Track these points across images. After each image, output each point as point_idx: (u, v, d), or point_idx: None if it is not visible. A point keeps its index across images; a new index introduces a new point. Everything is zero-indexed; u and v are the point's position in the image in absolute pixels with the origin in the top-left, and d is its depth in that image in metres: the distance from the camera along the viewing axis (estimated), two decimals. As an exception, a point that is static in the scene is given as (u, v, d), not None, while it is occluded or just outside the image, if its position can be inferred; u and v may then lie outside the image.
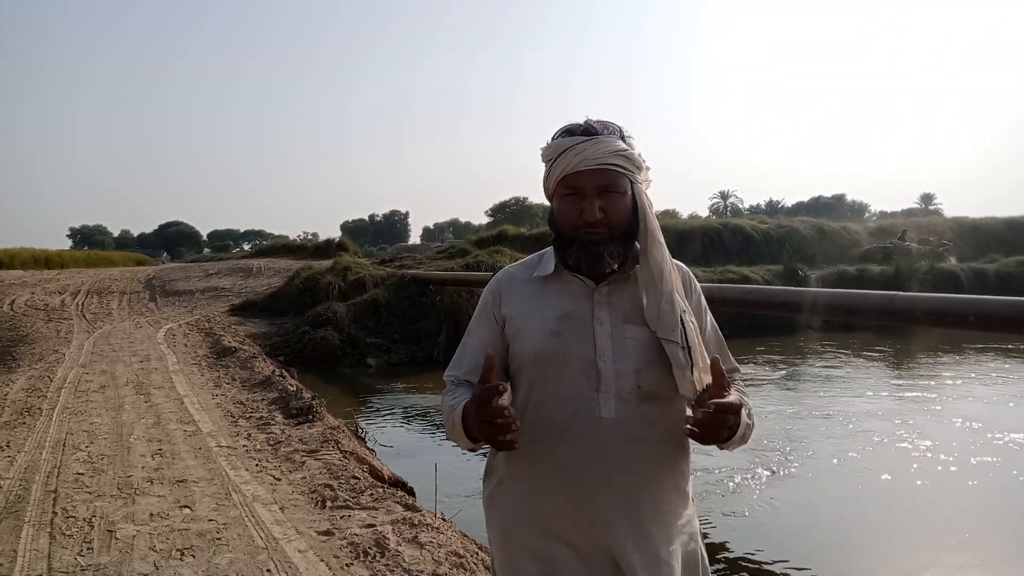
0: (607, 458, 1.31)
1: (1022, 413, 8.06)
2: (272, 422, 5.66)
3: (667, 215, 28.34)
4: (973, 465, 6.00)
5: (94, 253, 35.03)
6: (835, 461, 6.16)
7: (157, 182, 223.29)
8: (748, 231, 22.16)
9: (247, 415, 5.92)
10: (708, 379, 1.31)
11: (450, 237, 77.50)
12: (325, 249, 23.06)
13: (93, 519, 3.57)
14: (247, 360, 8.58)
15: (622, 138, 1.38)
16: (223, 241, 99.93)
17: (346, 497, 3.90)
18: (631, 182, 1.37)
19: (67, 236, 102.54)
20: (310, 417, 5.75)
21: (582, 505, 1.32)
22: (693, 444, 1.32)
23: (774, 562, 4.25)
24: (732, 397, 1.25)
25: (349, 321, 12.49)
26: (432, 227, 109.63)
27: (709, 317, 1.50)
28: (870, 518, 4.94)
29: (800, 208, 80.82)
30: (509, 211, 62.08)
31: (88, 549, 3.21)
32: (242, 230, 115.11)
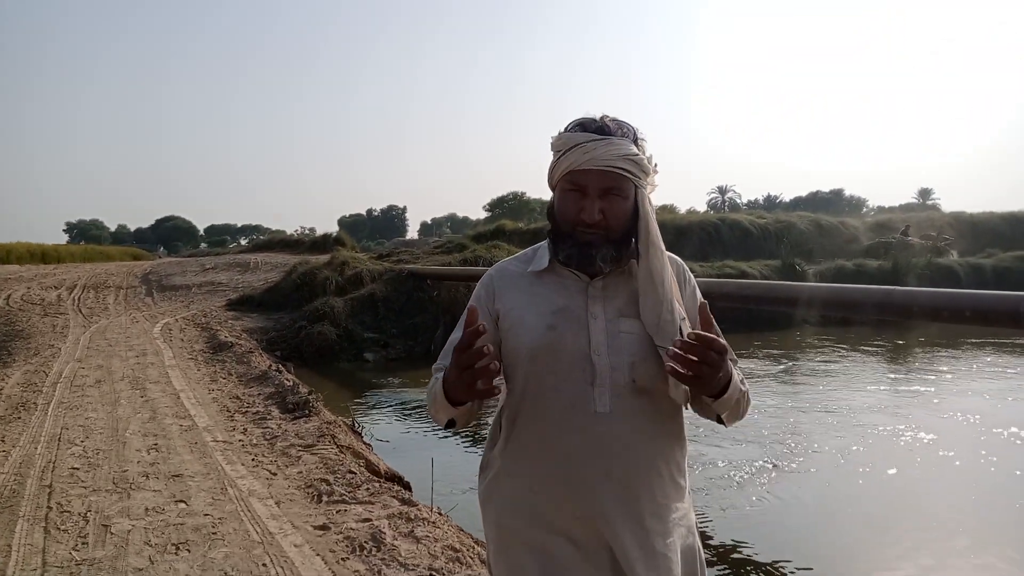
0: (603, 452, 1.31)
1: (1021, 407, 8.08)
2: (268, 417, 5.65)
3: (665, 210, 28.39)
4: (974, 460, 6.02)
5: (90, 248, 34.98)
6: (836, 455, 6.16)
7: (154, 177, 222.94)
8: (746, 226, 22.19)
9: (243, 410, 5.90)
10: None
11: (447, 232, 77.40)
12: (322, 244, 23.01)
13: (88, 513, 3.56)
14: (243, 355, 8.57)
15: (635, 141, 1.36)
16: (220, 236, 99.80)
17: (342, 492, 3.90)
18: (636, 187, 1.36)
19: (63, 231, 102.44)
20: (306, 412, 5.74)
21: (579, 498, 1.31)
22: (690, 436, 1.31)
23: (774, 561, 4.25)
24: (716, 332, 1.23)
25: (346, 316, 12.48)
26: (430, 222, 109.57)
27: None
28: (871, 513, 4.94)
29: (798, 203, 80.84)
30: (507, 206, 61.94)
31: (83, 543, 3.20)
32: (239, 225, 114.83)
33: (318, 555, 3.08)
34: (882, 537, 4.51)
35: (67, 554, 3.09)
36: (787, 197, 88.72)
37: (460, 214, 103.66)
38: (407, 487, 4.61)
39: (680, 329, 1.34)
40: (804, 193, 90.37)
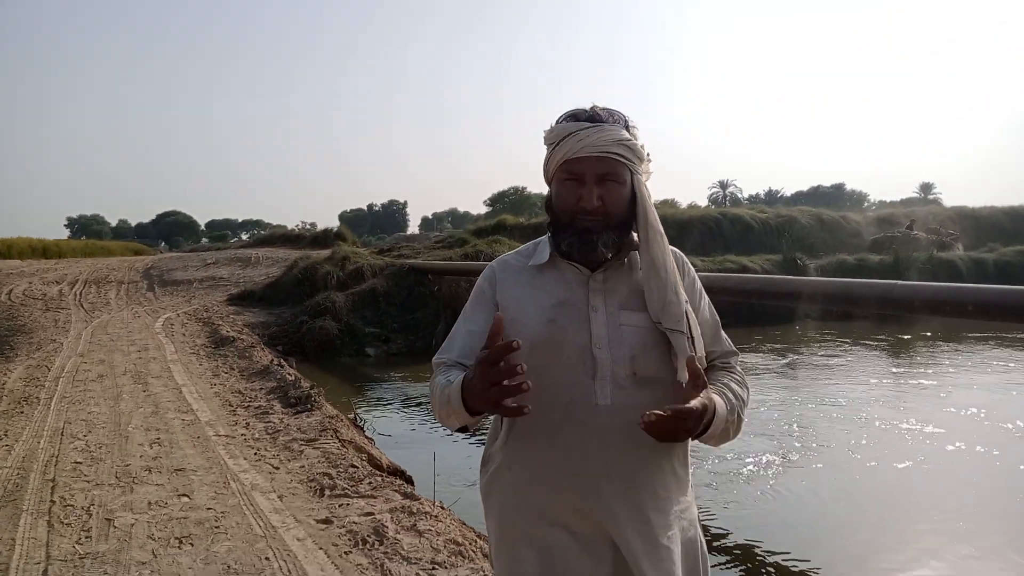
0: (605, 445, 1.31)
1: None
2: (270, 411, 5.66)
3: (666, 205, 28.30)
4: (980, 454, 6.01)
5: (92, 243, 34.95)
6: (841, 450, 6.16)
7: (155, 172, 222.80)
8: (747, 220, 22.12)
9: (245, 404, 5.91)
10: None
11: (448, 227, 77.41)
12: (323, 239, 22.96)
13: (91, 508, 3.57)
14: (245, 349, 8.58)
15: (626, 127, 1.37)
16: (221, 231, 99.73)
17: (345, 486, 3.90)
18: (631, 172, 1.36)
19: (65, 226, 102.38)
20: (308, 406, 5.75)
21: (581, 491, 1.31)
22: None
23: (777, 554, 4.25)
24: (696, 403, 1.22)
25: (347, 311, 12.48)
26: (431, 217, 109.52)
27: (705, 299, 1.49)
28: (876, 508, 4.94)
29: (799, 197, 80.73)
30: (508, 201, 61.88)
31: (86, 537, 3.21)
32: (240, 220, 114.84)
33: (321, 549, 3.09)
34: (887, 532, 4.51)
35: (71, 548, 3.10)
36: (788, 192, 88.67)
37: (461, 209, 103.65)
38: (409, 481, 4.62)
39: (686, 313, 1.34)
40: (805, 188, 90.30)
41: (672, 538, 1.33)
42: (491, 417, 1.41)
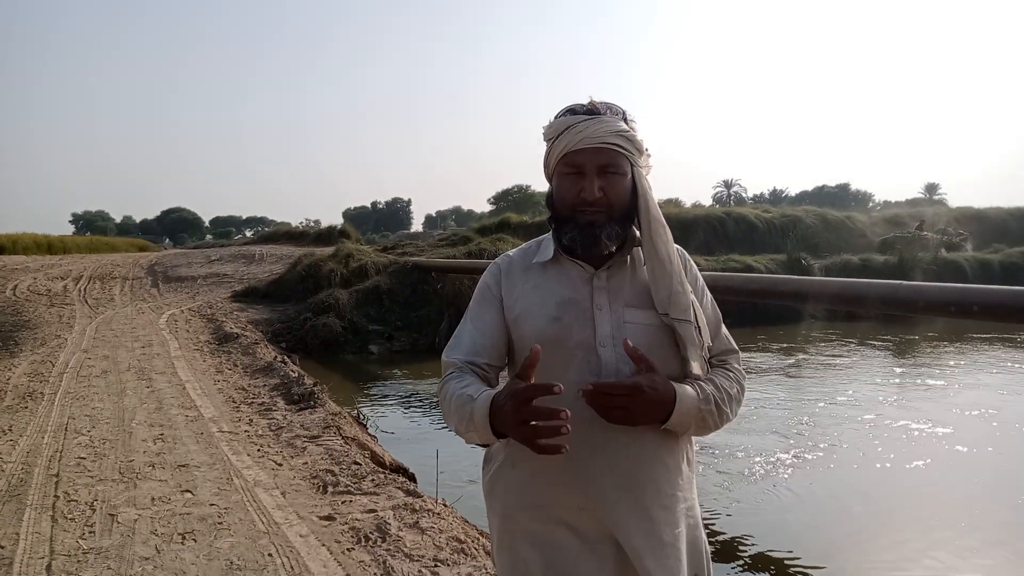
0: (608, 443, 1.30)
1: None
2: (274, 408, 5.66)
3: (670, 204, 28.19)
4: (990, 455, 5.99)
5: (96, 239, 35.02)
6: (848, 449, 6.15)
7: (159, 169, 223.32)
8: (752, 220, 22.08)
9: (249, 401, 5.92)
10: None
11: (452, 225, 77.40)
12: (327, 236, 23.01)
13: (95, 503, 3.58)
14: (249, 346, 8.59)
15: (624, 120, 1.37)
16: (225, 227, 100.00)
17: (347, 483, 3.91)
18: (631, 164, 1.36)
19: (69, 222, 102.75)
20: (312, 403, 5.76)
21: (585, 490, 1.31)
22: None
23: (782, 554, 4.24)
24: (629, 380, 1.22)
25: (351, 308, 12.50)
26: (434, 214, 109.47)
27: (708, 296, 1.49)
28: (883, 508, 4.93)
29: (804, 197, 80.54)
30: (511, 199, 61.83)
31: (90, 532, 3.22)
32: (244, 217, 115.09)
33: (323, 545, 3.09)
34: (894, 532, 4.49)
35: (74, 543, 3.11)
36: (793, 191, 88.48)
37: (465, 207, 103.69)
38: (412, 478, 4.62)
39: (692, 303, 1.34)
40: (810, 187, 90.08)
41: (678, 536, 1.33)
42: None
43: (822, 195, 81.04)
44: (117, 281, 16.21)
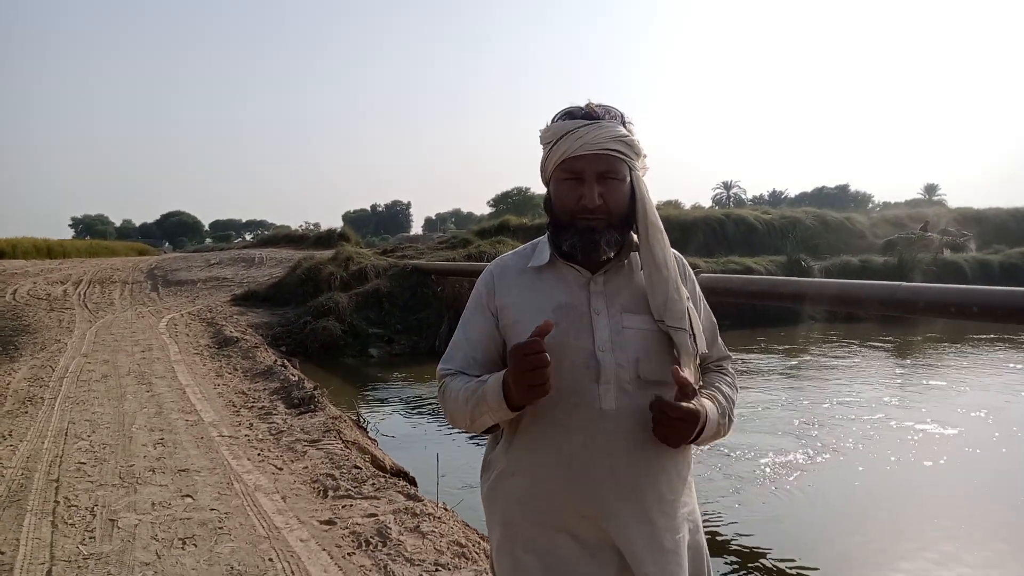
0: (609, 449, 1.29)
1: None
2: (274, 412, 5.66)
3: (670, 206, 28.22)
4: (994, 455, 5.98)
5: (96, 243, 35.01)
6: (851, 452, 6.13)
7: (159, 172, 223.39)
8: (751, 222, 22.10)
9: (249, 405, 5.92)
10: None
11: (452, 227, 77.43)
12: (327, 239, 23.00)
13: (95, 508, 3.57)
14: (249, 350, 8.59)
15: (623, 124, 1.36)
16: (225, 231, 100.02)
17: (348, 487, 3.90)
18: (630, 168, 1.35)
19: (69, 226, 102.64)
20: (312, 407, 5.75)
21: (585, 497, 1.30)
22: None
23: (782, 558, 4.24)
24: (693, 403, 1.27)
25: (351, 311, 12.49)
26: (434, 217, 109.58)
27: (704, 304, 1.49)
28: (886, 512, 4.89)
29: (803, 198, 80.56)
30: (511, 201, 61.85)
31: (90, 538, 3.22)
32: (244, 220, 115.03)
33: (324, 550, 3.09)
34: (900, 535, 4.48)
35: (74, 548, 3.11)
36: (792, 193, 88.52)
37: (464, 209, 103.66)
38: (412, 482, 4.61)
39: (688, 311, 1.35)
40: (809, 189, 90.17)
41: (679, 541, 1.33)
42: None
43: (821, 196, 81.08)
44: (117, 285, 16.21)
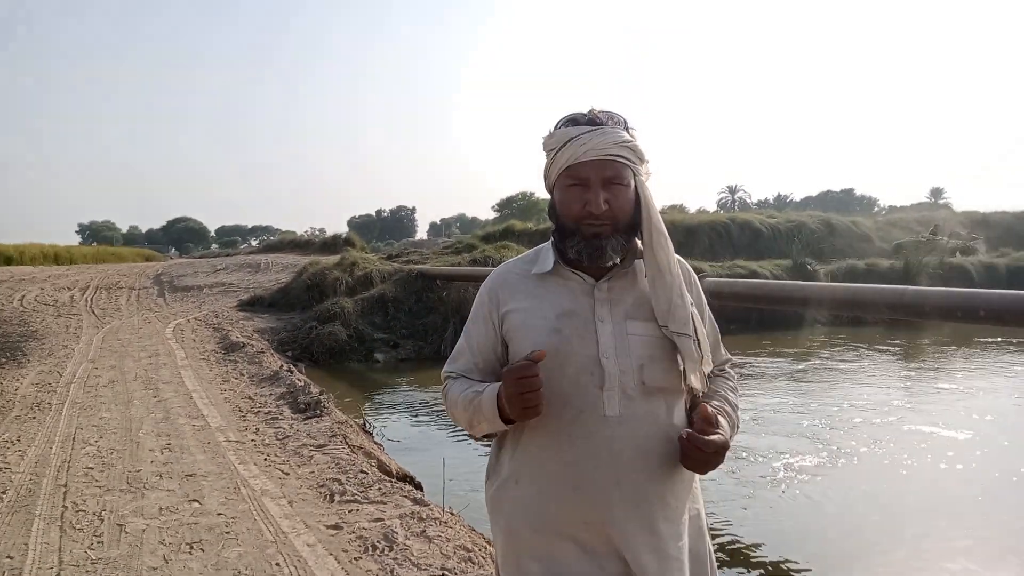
0: (614, 456, 1.29)
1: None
2: (280, 417, 5.67)
3: (675, 209, 28.29)
4: (1006, 459, 5.94)
5: (103, 249, 35.21)
6: (860, 456, 6.10)
7: (165, 179, 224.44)
8: (756, 226, 22.07)
9: (255, 410, 5.93)
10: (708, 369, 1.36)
11: (457, 232, 77.46)
12: (332, 245, 23.09)
13: (103, 513, 3.59)
14: (255, 355, 8.61)
15: (626, 129, 1.36)
16: (231, 237, 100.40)
17: (354, 491, 3.91)
18: (634, 174, 1.36)
19: (76, 232, 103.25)
20: (318, 412, 5.77)
21: (590, 504, 1.30)
22: None
23: (787, 564, 4.22)
24: (719, 436, 1.28)
25: (356, 316, 12.51)
26: (439, 222, 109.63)
27: (707, 310, 1.50)
28: (893, 517, 4.85)
29: (808, 202, 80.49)
30: (516, 206, 61.90)
31: (98, 543, 3.23)
32: (249, 226, 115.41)
33: (331, 555, 3.09)
34: (910, 540, 4.45)
35: (83, 553, 3.12)
36: (798, 196, 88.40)
37: (469, 214, 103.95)
38: (419, 487, 4.62)
39: (692, 316, 1.35)
40: (815, 192, 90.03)
41: (683, 549, 1.32)
42: None
43: (827, 200, 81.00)
44: (123, 291, 16.28)
